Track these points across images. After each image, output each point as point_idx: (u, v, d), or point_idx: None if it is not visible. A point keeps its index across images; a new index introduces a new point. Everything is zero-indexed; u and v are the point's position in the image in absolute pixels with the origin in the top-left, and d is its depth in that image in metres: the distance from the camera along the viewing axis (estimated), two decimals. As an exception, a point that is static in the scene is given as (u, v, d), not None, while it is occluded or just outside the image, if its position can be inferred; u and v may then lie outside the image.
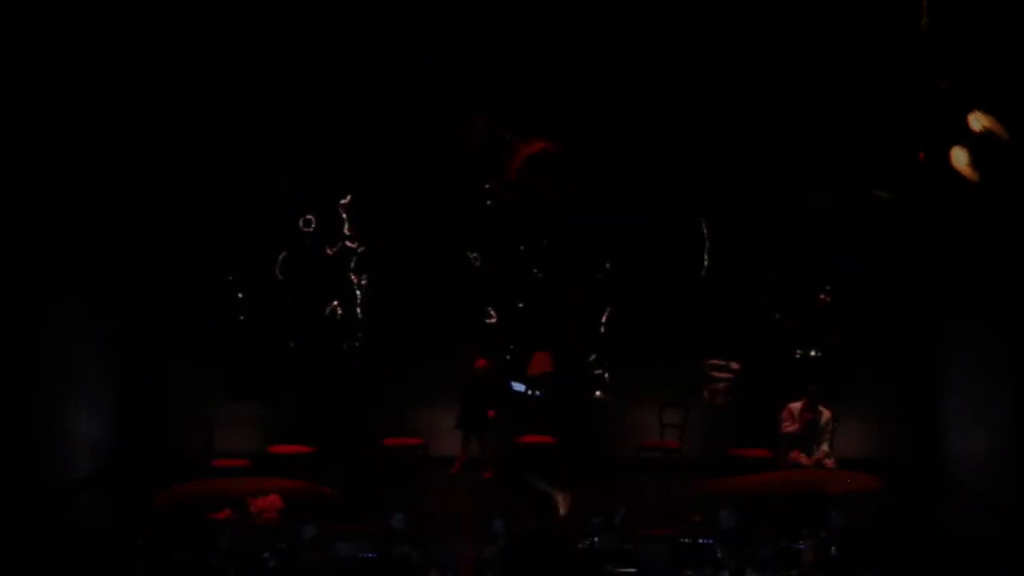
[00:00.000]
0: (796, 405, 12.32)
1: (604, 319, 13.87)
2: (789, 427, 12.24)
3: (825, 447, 12.26)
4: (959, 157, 10.13)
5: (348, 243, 13.86)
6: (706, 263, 13.70)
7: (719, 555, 9.58)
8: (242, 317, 13.78)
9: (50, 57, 11.89)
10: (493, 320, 13.89)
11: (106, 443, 13.26)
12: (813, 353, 13.72)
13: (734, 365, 13.63)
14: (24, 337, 11.75)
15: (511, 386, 13.79)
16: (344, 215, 13.83)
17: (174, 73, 13.03)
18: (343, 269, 13.87)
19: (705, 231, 13.72)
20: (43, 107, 11.94)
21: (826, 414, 12.29)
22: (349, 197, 13.80)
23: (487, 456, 13.22)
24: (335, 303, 13.84)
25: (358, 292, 13.85)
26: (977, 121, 10.09)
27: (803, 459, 12.10)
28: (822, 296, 13.67)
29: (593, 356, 13.90)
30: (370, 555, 9.59)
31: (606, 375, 13.88)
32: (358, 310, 13.85)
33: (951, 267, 13.22)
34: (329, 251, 13.86)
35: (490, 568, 9.62)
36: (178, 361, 13.63)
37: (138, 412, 13.53)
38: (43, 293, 12.02)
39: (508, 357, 13.90)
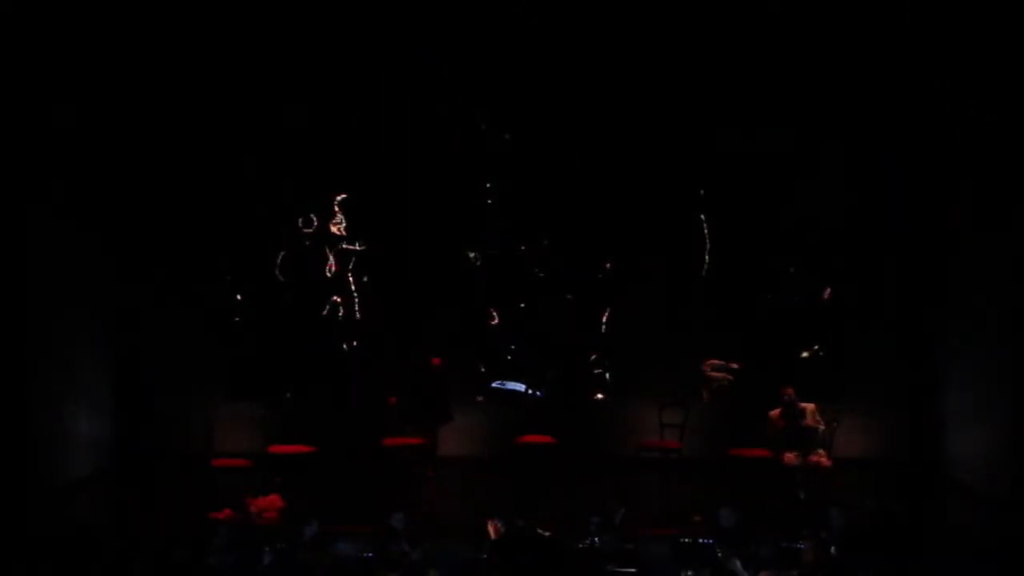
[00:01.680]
0: (775, 412, 12.35)
1: (604, 319, 13.86)
2: (770, 433, 12.29)
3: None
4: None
5: (348, 243, 13.86)
6: (706, 263, 13.70)
7: (719, 555, 9.59)
8: (241, 317, 13.78)
9: (52, 51, 11.90)
10: (495, 320, 13.91)
11: (106, 443, 13.25)
12: (811, 352, 13.73)
13: (734, 365, 13.63)
14: (24, 337, 11.74)
15: (506, 385, 13.79)
16: (344, 215, 13.82)
17: (174, 72, 13.05)
18: (343, 269, 13.88)
19: (705, 231, 13.72)
20: (43, 107, 11.94)
21: (809, 409, 12.25)
22: (349, 197, 13.80)
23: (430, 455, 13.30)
24: (335, 303, 13.84)
25: (357, 292, 13.85)
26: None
27: (791, 458, 12.13)
28: (822, 296, 13.67)
29: (593, 356, 13.90)
30: (370, 555, 9.60)
31: (606, 375, 13.88)
32: (357, 310, 13.86)
33: (952, 267, 13.21)
34: (329, 251, 13.86)
35: (486, 568, 9.63)
36: (178, 361, 13.62)
37: (138, 412, 13.52)
38: (43, 293, 12.01)
39: (508, 357, 13.92)
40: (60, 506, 11.79)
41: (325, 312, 13.85)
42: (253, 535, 10.35)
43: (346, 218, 13.81)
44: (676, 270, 13.68)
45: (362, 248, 13.86)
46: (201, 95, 13.22)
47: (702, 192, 13.68)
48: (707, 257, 13.69)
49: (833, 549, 9.74)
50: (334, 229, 13.77)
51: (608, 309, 13.85)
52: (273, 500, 11.56)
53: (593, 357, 13.89)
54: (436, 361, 13.39)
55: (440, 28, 13.01)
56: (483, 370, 13.94)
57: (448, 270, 13.81)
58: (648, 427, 13.33)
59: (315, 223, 13.80)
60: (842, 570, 9.55)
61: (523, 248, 13.88)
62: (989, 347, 12.41)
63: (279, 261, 13.79)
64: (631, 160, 13.56)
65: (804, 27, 12.84)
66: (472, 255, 13.87)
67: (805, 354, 13.63)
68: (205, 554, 9.64)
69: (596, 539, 9.93)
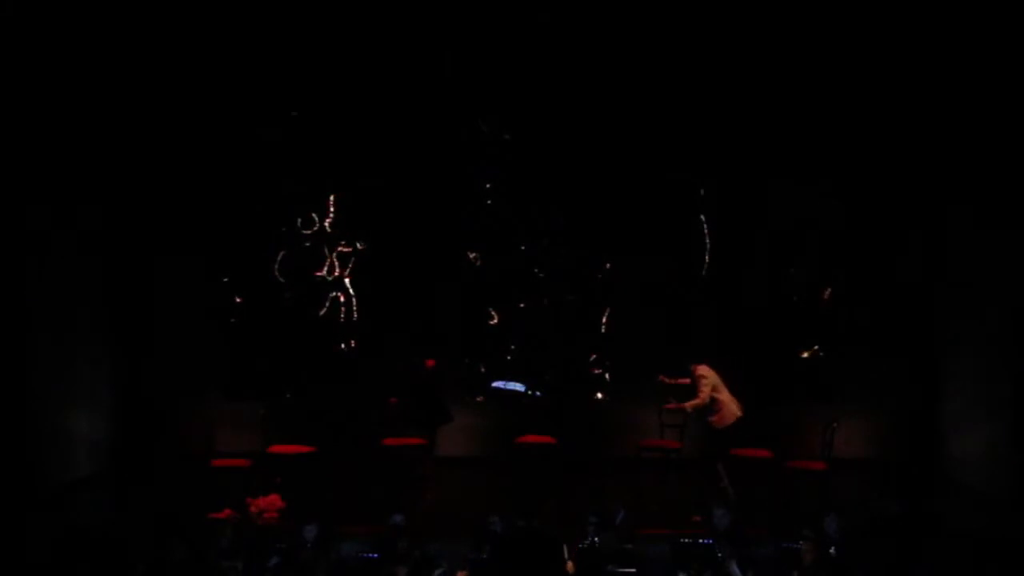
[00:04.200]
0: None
1: (604, 319, 13.87)
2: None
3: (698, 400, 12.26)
4: None
5: (347, 243, 13.86)
6: (706, 263, 13.71)
7: (719, 555, 9.59)
8: (241, 317, 13.79)
9: (52, 51, 11.90)
10: (495, 320, 13.92)
11: (106, 443, 13.26)
12: (811, 352, 13.74)
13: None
14: (24, 337, 11.75)
15: (506, 385, 13.80)
16: (344, 215, 13.83)
17: (174, 72, 13.06)
18: (343, 269, 13.88)
19: (705, 231, 13.73)
20: (43, 107, 11.94)
21: (699, 370, 12.29)
22: (349, 197, 13.81)
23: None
24: (334, 303, 13.85)
25: (354, 292, 13.86)
26: None
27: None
28: (822, 296, 13.68)
29: (593, 356, 13.90)
30: (371, 555, 9.60)
31: (606, 375, 13.88)
32: (356, 310, 13.86)
33: (952, 267, 13.22)
34: (329, 251, 13.87)
35: (484, 567, 9.63)
36: (178, 361, 13.63)
37: (138, 412, 13.53)
38: (43, 293, 12.02)
39: (508, 357, 13.92)
40: (60, 506, 11.79)
41: (325, 312, 13.86)
42: (256, 536, 10.35)
43: (345, 217, 13.82)
44: (676, 270, 13.69)
45: (362, 248, 13.87)
46: (201, 95, 13.22)
47: (702, 192, 13.69)
48: (707, 257, 13.70)
49: (833, 549, 9.74)
50: (333, 228, 13.80)
51: (608, 309, 13.86)
52: (273, 500, 11.55)
53: (593, 357, 13.90)
54: (430, 363, 13.37)
55: (441, 28, 13.01)
56: (483, 370, 13.95)
57: (448, 270, 13.82)
58: (648, 427, 13.34)
59: (315, 223, 13.82)
60: (842, 570, 9.55)
61: (523, 248, 13.90)
62: (989, 347, 12.41)
63: (279, 261, 13.81)
64: (630, 160, 13.56)
65: (804, 27, 12.83)
66: (472, 255, 13.88)
67: (805, 354, 13.64)
68: (210, 556, 9.64)
69: (596, 539, 9.93)
